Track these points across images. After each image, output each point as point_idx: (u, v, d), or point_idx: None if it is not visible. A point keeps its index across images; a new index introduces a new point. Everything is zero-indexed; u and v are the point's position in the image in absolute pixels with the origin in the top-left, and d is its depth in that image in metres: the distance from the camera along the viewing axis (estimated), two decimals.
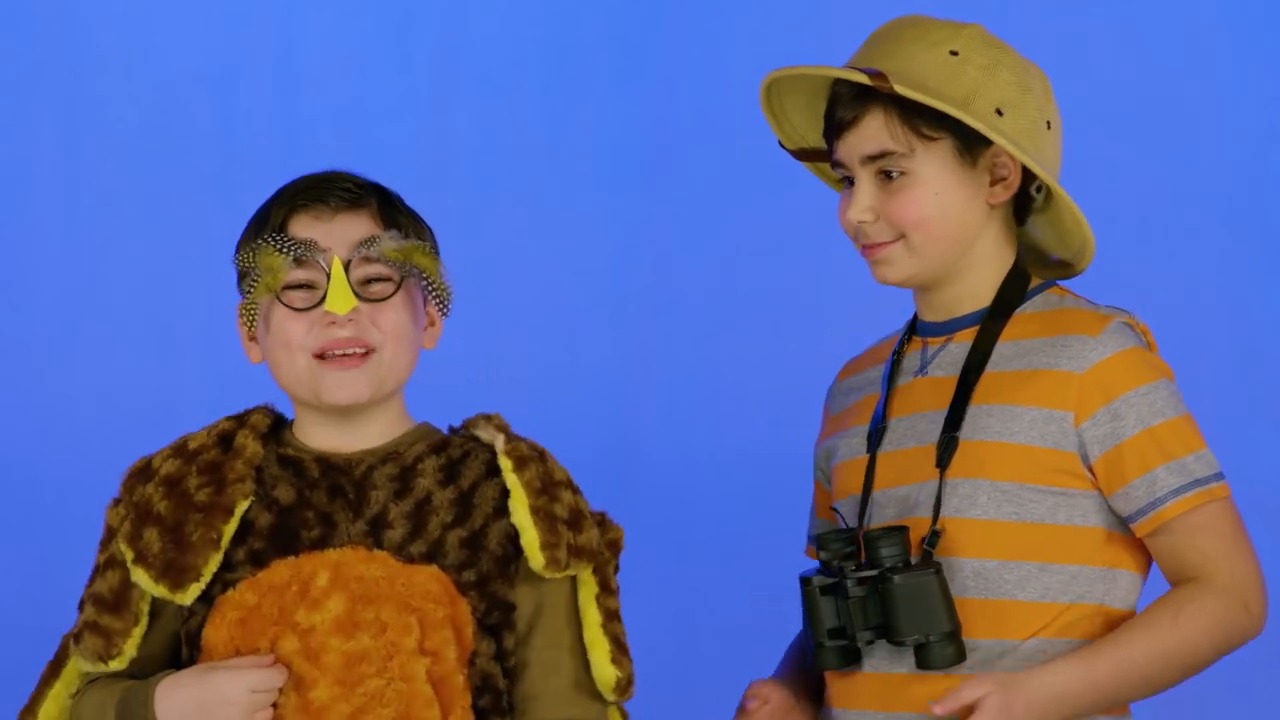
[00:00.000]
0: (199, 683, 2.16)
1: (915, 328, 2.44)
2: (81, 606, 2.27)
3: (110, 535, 2.26)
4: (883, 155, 2.34)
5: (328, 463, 2.27)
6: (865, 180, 2.36)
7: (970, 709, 2.23)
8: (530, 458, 2.26)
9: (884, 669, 2.32)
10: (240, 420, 2.31)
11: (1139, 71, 3.71)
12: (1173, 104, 3.70)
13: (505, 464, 2.25)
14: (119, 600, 2.23)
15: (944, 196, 2.36)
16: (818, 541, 2.33)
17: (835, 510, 2.39)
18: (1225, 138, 3.70)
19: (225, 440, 2.28)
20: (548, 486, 2.26)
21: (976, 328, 2.38)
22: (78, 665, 2.27)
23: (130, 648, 2.23)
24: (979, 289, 2.39)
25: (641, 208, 3.76)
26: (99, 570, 2.26)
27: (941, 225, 2.36)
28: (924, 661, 2.28)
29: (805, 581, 2.32)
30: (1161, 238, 3.68)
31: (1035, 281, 2.42)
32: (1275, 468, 3.66)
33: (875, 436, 2.39)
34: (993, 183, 2.37)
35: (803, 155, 2.49)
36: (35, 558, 3.67)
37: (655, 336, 3.73)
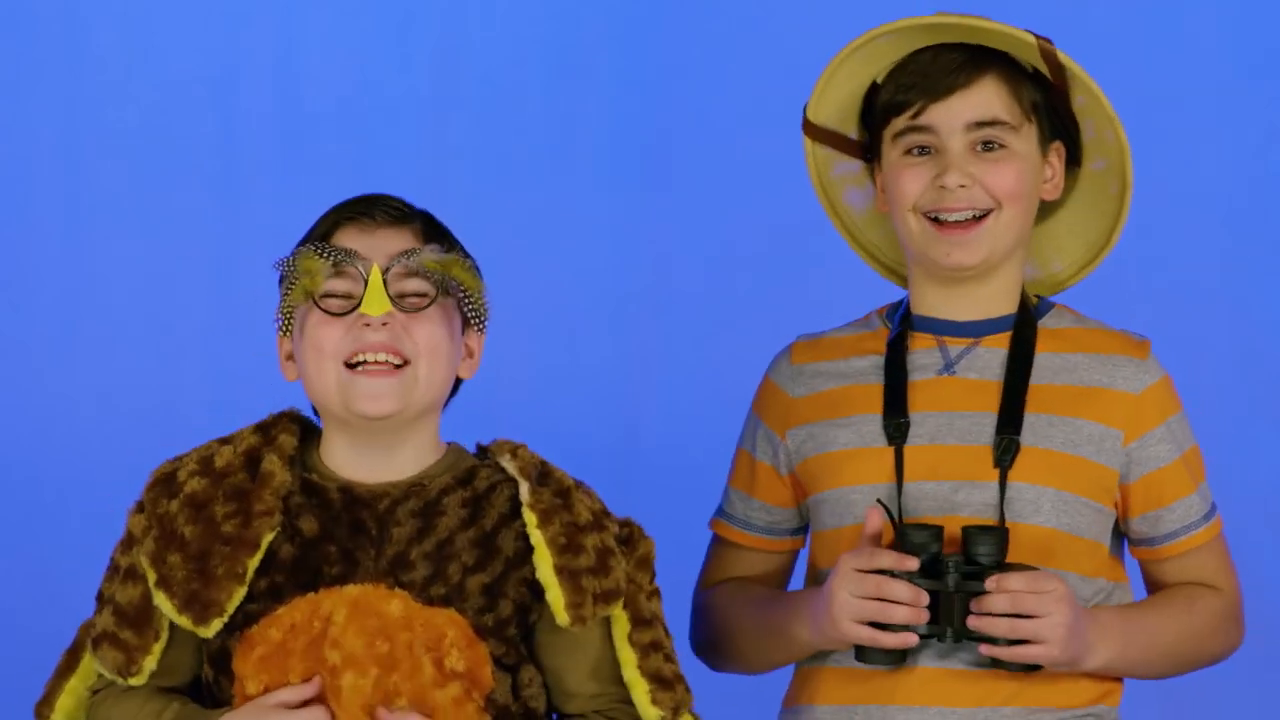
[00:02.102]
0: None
1: (912, 323, 2.44)
2: (100, 600, 2.27)
3: (131, 542, 2.26)
4: (993, 124, 2.37)
5: (351, 494, 2.26)
6: (963, 146, 2.37)
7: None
8: (555, 509, 2.26)
9: (936, 664, 2.33)
10: (266, 434, 2.30)
11: (1139, 71, 3.71)
12: (1173, 104, 3.71)
13: (530, 519, 2.25)
14: (140, 616, 2.24)
15: (1031, 178, 2.40)
16: (902, 534, 2.31)
17: (879, 502, 2.36)
18: (1225, 138, 3.71)
19: (252, 460, 2.27)
20: (572, 540, 2.25)
21: (1005, 334, 2.41)
22: (95, 664, 2.28)
23: (150, 663, 2.23)
24: (1005, 292, 2.43)
25: (641, 208, 3.77)
26: (119, 574, 2.26)
27: (1028, 204, 2.40)
28: (1003, 662, 2.29)
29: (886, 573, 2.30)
30: (1161, 238, 3.68)
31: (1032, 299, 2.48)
32: (1275, 468, 3.68)
33: (899, 430, 2.39)
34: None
35: (821, 134, 2.49)
36: (35, 558, 3.67)
37: (655, 336, 3.73)
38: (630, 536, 2.30)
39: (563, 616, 2.21)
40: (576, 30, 3.76)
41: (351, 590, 2.20)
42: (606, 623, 2.27)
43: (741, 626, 2.45)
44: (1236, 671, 3.39)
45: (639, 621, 2.27)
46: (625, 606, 2.26)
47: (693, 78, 3.74)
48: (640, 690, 2.26)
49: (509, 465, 2.28)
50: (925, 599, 2.26)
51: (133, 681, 2.23)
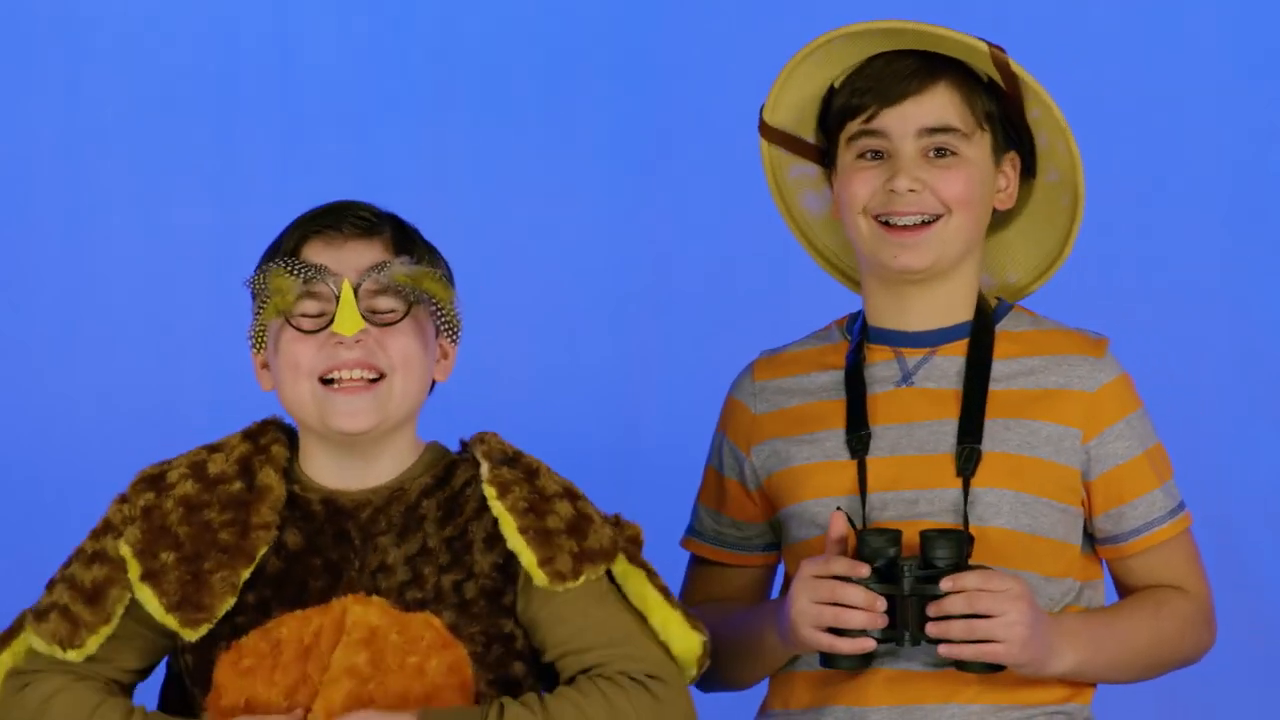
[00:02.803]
0: None
1: (869, 335, 2.47)
2: (51, 586, 2.27)
3: (107, 529, 2.27)
4: (944, 130, 2.39)
5: (334, 505, 2.28)
6: (914, 152, 2.39)
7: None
8: (513, 482, 2.26)
9: (901, 665, 2.36)
10: (256, 443, 2.32)
11: (1139, 71, 3.73)
12: (1173, 104, 3.72)
13: (490, 493, 2.25)
14: (96, 594, 2.24)
15: (982, 186, 2.42)
16: (861, 539, 2.33)
17: (839, 509, 2.39)
18: (1225, 138, 3.71)
19: (245, 469, 2.29)
20: (535, 505, 2.25)
21: (961, 342, 2.44)
22: (29, 642, 2.26)
23: (93, 644, 2.23)
24: (959, 300, 2.45)
25: (641, 208, 3.77)
26: (83, 557, 2.26)
27: (978, 211, 2.42)
28: (967, 664, 2.31)
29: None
30: (1162, 238, 3.70)
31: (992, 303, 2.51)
32: (1275, 468, 3.68)
33: (860, 442, 2.42)
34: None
35: (776, 135, 2.51)
36: (35, 558, 3.68)
37: (655, 336, 3.73)
38: (619, 521, 2.31)
39: (539, 575, 2.20)
40: (576, 30, 3.77)
41: (335, 605, 2.22)
42: (599, 588, 2.26)
43: (721, 645, 2.46)
44: (1236, 671, 3.39)
45: (652, 572, 2.27)
46: (632, 562, 2.26)
47: (693, 76, 3.75)
48: (676, 622, 2.26)
49: (477, 451, 2.29)
50: (881, 604, 2.28)
51: (70, 655, 2.22)
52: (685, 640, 2.26)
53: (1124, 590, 2.47)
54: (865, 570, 2.28)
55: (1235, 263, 3.72)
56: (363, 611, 2.22)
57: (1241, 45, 3.73)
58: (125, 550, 2.23)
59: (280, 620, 2.21)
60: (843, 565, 2.29)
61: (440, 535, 2.27)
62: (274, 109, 3.76)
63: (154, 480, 2.28)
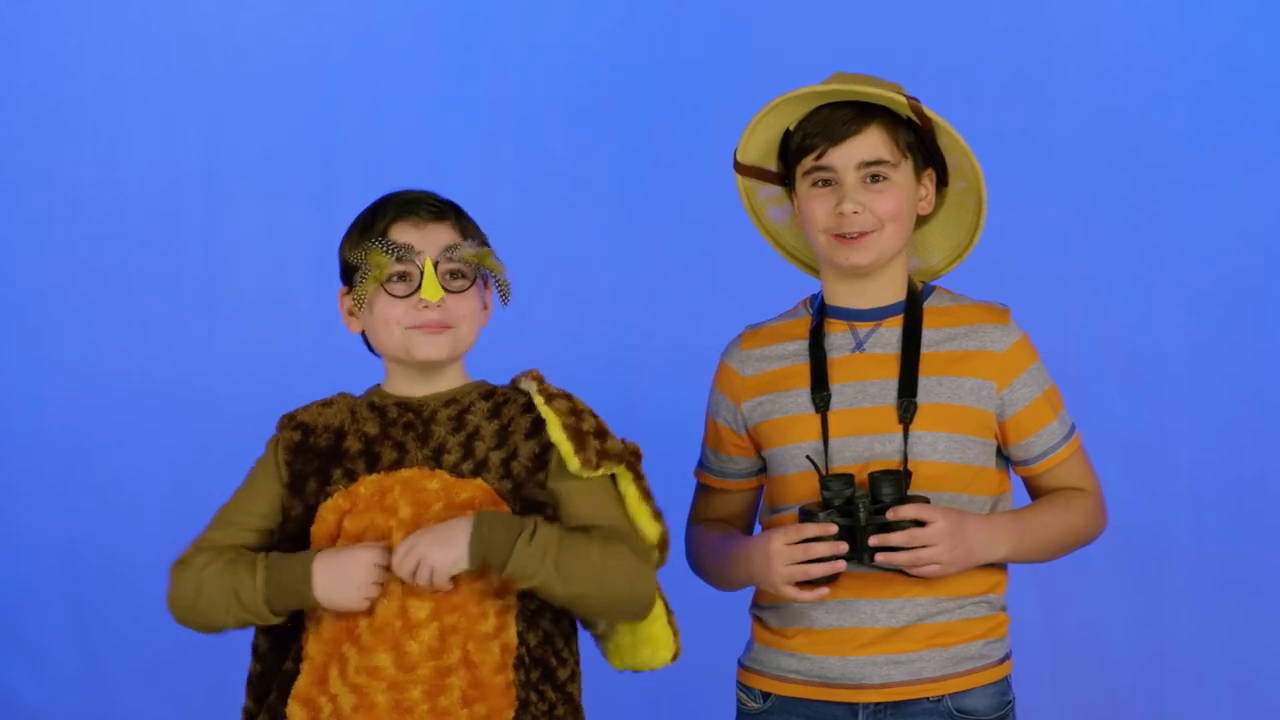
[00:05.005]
0: (336, 558, 2.56)
1: (827, 312, 2.79)
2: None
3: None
4: (878, 162, 2.69)
5: (405, 405, 2.64)
6: (855, 180, 2.69)
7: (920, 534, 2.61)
8: (558, 395, 2.63)
9: (864, 569, 2.69)
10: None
11: (1140, 71, 3.91)
12: (1173, 104, 3.90)
13: (539, 400, 2.61)
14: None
15: (907, 202, 2.73)
16: (824, 484, 2.63)
17: (809, 458, 2.72)
18: (1224, 137, 3.87)
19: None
20: (574, 412, 2.60)
21: (899, 316, 2.75)
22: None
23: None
24: (894, 284, 2.78)
25: (643, 215, 4.05)
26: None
27: (906, 221, 2.74)
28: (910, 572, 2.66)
29: (810, 514, 2.65)
30: (1162, 237, 3.89)
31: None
32: (1275, 467, 3.91)
33: (824, 399, 2.73)
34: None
35: (747, 170, 2.82)
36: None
37: (654, 335, 4.00)
38: (624, 441, 2.67)
39: (573, 462, 2.57)
40: (598, 85, 4.08)
41: (404, 474, 2.59)
42: (611, 484, 2.63)
43: (706, 565, 2.87)
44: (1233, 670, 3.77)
45: (640, 478, 2.65)
46: (629, 469, 2.63)
47: (685, 124, 4.04)
48: (644, 514, 2.61)
49: (523, 382, 2.67)
50: (843, 548, 2.60)
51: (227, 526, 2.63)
52: (648, 526, 2.61)
53: (1036, 495, 2.80)
54: (833, 529, 2.60)
55: (1235, 262, 3.84)
56: (427, 481, 2.56)
57: (1241, 45, 3.84)
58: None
59: (359, 482, 2.58)
60: (814, 529, 2.62)
61: (489, 426, 2.60)
62: (368, 144, 4.11)
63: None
